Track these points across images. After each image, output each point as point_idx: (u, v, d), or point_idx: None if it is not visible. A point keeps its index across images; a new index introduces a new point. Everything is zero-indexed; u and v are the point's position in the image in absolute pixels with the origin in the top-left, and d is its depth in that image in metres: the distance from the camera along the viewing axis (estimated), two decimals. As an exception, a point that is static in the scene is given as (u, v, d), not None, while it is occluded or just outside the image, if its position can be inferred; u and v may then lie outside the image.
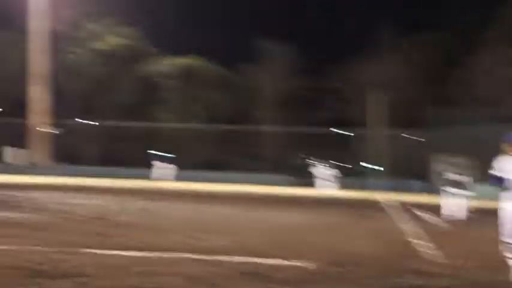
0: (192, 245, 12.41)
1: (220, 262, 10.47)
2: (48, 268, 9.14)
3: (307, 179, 30.75)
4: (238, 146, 65.38)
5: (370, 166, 63.34)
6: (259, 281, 8.81)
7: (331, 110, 72.32)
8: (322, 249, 12.77)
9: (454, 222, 21.50)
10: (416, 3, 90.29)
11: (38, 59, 62.75)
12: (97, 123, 71.43)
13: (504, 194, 9.32)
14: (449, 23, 75.85)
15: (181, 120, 71.97)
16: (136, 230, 14.81)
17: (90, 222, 16.24)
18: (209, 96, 74.71)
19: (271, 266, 10.21)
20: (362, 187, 53.87)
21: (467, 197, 23.44)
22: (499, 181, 9.30)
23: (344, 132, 68.91)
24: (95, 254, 10.68)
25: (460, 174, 24.50)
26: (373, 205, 31.21)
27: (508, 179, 9.22)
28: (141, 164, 64.82)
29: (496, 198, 9.68)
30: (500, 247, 9.43)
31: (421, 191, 54.13)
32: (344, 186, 52.99)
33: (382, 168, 64.85)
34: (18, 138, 66.01)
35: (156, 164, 55.15)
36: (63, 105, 72.41)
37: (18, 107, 70.48)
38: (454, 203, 23.29)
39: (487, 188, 10.15)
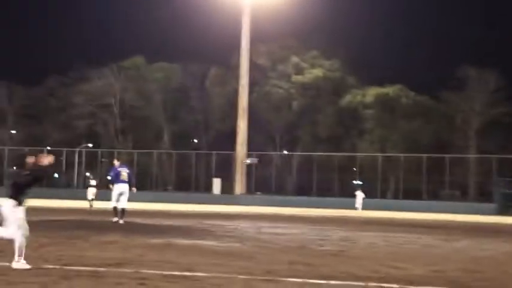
0: (390, 274, 12.43)
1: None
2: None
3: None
4: (439, 175, 64.14)
5: None
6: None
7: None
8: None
9: None
10: None
11: (244, 92, 64.91)
12: (291, 153, 72.79)
13: None
14: None
15: (381, 149, 71.80)
16: (337, 259, 15.03)
17: (291, 251, 16.68)
18: (409, 124, 74.08)
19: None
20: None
21: None
22: None
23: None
24: (297, 282, 11.00)
25: None
26: None
27: None
28: (339, 193, 65.40)
29: None
30: None
31: None
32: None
33: None
34: (223, 169, 68.66)
35: (358, 193, 55.28)
36: (264, 137, 74.73)
37: (220, 139, 73.60)
38: None
39: None
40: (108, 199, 25.69)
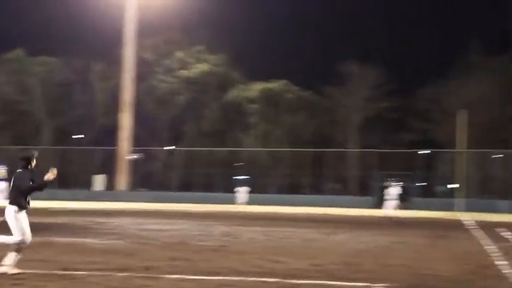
0: (270, 268, 12.53)
1: (299, 286, 10.59)
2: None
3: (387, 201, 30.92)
4: (322, 169, 65.31)
5: (454, 186, 62.32)
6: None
7: (417, 131, 71.73)
8: (401, 271, 12.71)
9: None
10: (504, 21, 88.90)
11: (128, 87, 64.11)
12: (175, 148, 72.53)
13: None
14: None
15: (264, 144, 72.43)
16: (217, 254, 15.06)
17: (172, 247, 16.60)
18: (292, 119, 75.02)
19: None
20: (446, 207, 53.02)
21: None
22: None
23: (425, 152, 67.97)
24: (176, 279, 10.95)
25: None
26: (457, 226, 30.78)
27: None
28: (222, 188, 65.66)
29: None
30: None
31: (508, 211, 53.02)
32: (428, 206, 52.42)
33: (467, 188, 63.72)
34: (105, 165, 67.65)
35: (239, 188, 55.53)
36: (149, 132, 74.09)
37: (104, 135, 72.50)
38: None
39: None
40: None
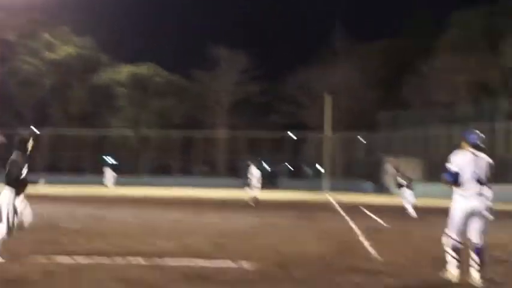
0: (137, 249, 12.40)
1: (165, 266, 10.51)
2: (-11, 276, 9.11)
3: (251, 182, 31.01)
4: (191, 152, 65.30)
5: (321, 169, 63.83)
6: (201, 283, 8.86)
7: (285, 115, 72.83)
8: (267, 250, 12.84)
9: (400, 221, 21.92)
10: (370, 10, 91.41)
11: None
12: (39, 132, 70.58)
13: (456, 190, 9.48)
14: (404, 30, 77.46)
15: (134, 127, 71.70)
16: (85, 236, 14.76)
17: (39, 230, 16.13)
18: (161, 103, 74.53)
19: (215, 269, 10.26)
20: (314, 189, 54.24)
21: (410, 196, 25.32)
22: (453, 176, 9.43)
23: (292, 136, 69.22)
24: (43, 261, 10.64)
25: (405, 175, 25.96)
26: (324, 206, 31.45)
27: (461, 175, 9.38)
28: (92, 171, 64.61)
29: (441, 197, 9.85)
30: (443, 241, 9.58)
31: (373, 191, 54.85)
32: (296, 188, 53.45)
33: (334, 170, 65.43)
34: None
35: (107, 170, 54.89)
36: (13, 114, 71.74)
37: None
38: (403, 202, 25.60)
39: (435, 187, 10.19)
40: None
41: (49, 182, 52.73)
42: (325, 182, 58.20)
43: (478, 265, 9.38)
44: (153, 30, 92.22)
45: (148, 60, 76.24)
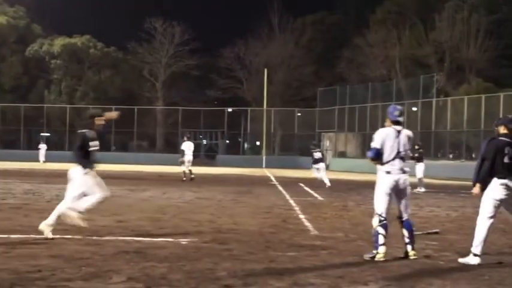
0: (74, 225, 12.27)
1: (101, 241, 10.43)
2: None
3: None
4: (128, 126, 64.67)
5: (259, 143, 64.13)
6: (138, 259, 8.79)
7: (223, 89, 72.79)
8: (205, 226, 12.85)
9: (337, 196, 22.19)
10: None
11: None
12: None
13: (380, 167, 9.56)
14: (340, 4, 78.05)
15: (69, 100, 70.67)
16: (20, 213, 14.54)
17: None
18: (97, 76, 73.57)
19: (152, 244, 10.21)
20: (252, 164, 54.40)
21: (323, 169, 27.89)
22: (376, 154, 9.50)
23: (229, 110, 69.27)
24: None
25: (321, 150, 27.63)
26: (262, 181, 31.61)
27: (384, 152, 9.45)
28: (26, 146, 63.60)
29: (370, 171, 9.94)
30: (372, 222, 9.67)
31: (310, 167, 55.25)
32: (234, 163, 53.56)
33: (272, 145, 65.86)
34: None
35: (42, 146, 54.05)
36: None
37: None
38: (319, 176, 27.70)
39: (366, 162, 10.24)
40: None
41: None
42: (263, 157, 58.46)
43: (410, 238, 9.54)
44: (88, 1, 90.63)
45: (84, 31, 75.11)
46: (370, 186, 11.23)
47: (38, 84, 73.57)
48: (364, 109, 55.39)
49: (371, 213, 9.81)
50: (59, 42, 73.38)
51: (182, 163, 29.94)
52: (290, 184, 28.36)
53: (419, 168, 26.92)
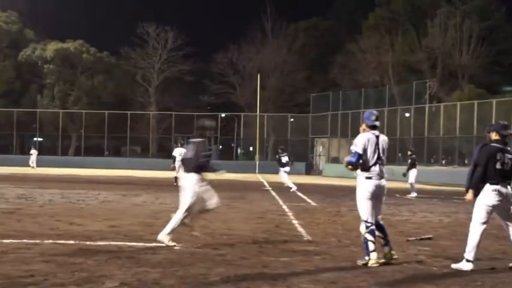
0: (67, 230, 12.26)
1: (94, 246, 10.41)
2: None
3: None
4: (121, 131, 64.64)
5: (253, 149, 64.16)
6: (131, 264, 8.77)
7: (216, 94, 72.72)
8: (199, 232, 12.83)
9: (331, 201, 22.19)
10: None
11: None
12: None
13: (361, 173, 9.59)
14: (333, 10, 78.26)
15: (62, 105, 70.50)
16: (13, 217, 14.50)
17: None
18: (90, 80, 73.44)
19: (145, 249, 10.20)
20: (246, 170, 54.38)
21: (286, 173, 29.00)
22: (357, 159, 9.51)
23: (222, 115, 69.29)
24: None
25: (288, 154, 29.59)
26: (256, 187, 31.61)
27: (364, 157, 9.48)
28: (19, 150, 63.44)
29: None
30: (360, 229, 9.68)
31: (304, 172, 55.37)
32: (228, 168, 53.48)
33: (266, 150, 65.91)
34: None
35: (33, 151, 53.85)
36: None
37: None
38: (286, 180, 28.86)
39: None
40: None
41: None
42: (257, 163, 58.47)
43: (386, 239, 9.65)
44: (81, 6, 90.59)
45: (76, 36, 74.95)
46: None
47: (31, 89, 73.33)
48: (357, 115, 55.37)
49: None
50: (51, 47, 73.18)
51: (174, 169, 29.85)
52: (283, 190, 28.34)
53: (412, 174, 27.04)
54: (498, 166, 9.26)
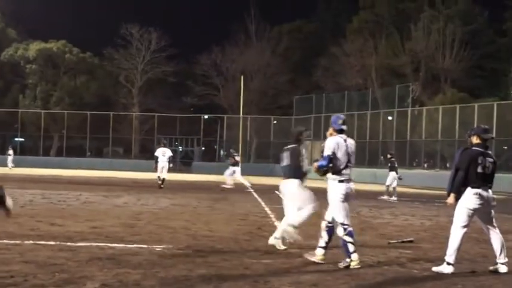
0: (47, 231, 12.19)
1: (75, 247, 10.36)
2: None
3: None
4: (103, 132, 64.43)
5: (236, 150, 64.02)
6: (112, 266, 8.75)
7: (199, 96, 72.62)
8: (180, 233, 12.79)
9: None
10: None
11: None
12: None
13: (332, 177, 9.63)
14: (317, 13, 78.39)
15: (44, 106, 70.16)
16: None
17: None
18: (73, 81, 73.13)
19: (127, 251, 10.14)
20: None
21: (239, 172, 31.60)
22: (327, 162, 9.55)
23: (205, 117, 69.23)
24: None
25: (239, 154, 30.14)
26: (238, 189, 31.56)
27: (334, 161, 9.53)
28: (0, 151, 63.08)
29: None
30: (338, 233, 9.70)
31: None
32: (210, 170, 53.38)
33: (248, 153, 65.82)
34: None
35: (11, 152, 53.29)
36: None
37: None
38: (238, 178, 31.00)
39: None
40: None
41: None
42: (240, 165, 58.30)
43: (328, 243, 9.89)
44: (64, 6, 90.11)
45: (59, 37, 74.57)
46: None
47: (13, 89, 72.92)
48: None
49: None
50: (34, 47, 72.83)
51: (156, 169, 29.72)
52: (267, 191, 28.34)
53: (390, 176, 27.05)
54: (479, 170, 9.32)
